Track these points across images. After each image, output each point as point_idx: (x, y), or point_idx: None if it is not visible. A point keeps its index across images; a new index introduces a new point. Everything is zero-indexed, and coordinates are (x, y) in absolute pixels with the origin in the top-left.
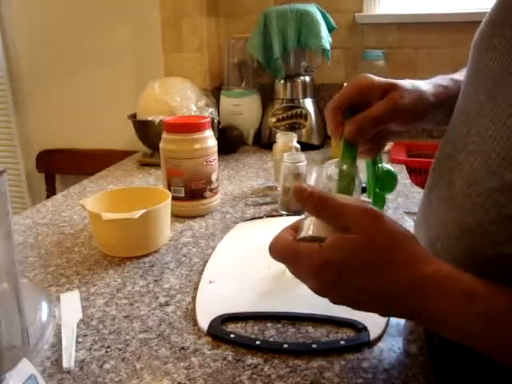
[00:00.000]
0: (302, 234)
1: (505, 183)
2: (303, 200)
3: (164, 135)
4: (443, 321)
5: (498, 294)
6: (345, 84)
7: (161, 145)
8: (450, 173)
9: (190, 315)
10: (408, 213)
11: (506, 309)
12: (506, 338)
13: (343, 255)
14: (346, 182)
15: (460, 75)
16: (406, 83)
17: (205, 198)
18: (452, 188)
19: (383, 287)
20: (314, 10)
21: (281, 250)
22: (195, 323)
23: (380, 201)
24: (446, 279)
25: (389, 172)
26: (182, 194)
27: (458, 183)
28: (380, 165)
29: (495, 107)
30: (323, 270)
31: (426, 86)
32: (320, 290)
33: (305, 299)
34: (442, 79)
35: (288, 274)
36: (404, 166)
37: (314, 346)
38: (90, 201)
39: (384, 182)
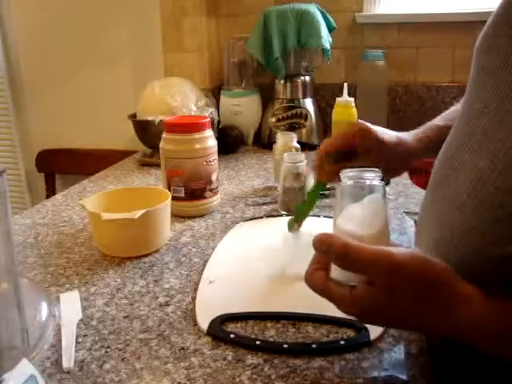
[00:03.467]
0: (333, 276)
1: None
2: (325, 253)
3: (164, 135)
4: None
5: None
6: (345, 84)
7: (161, 145)
8: (454, 172)
9: (190, 315)
10: (408, 213)
11: None
12: None
13: (373, 305)
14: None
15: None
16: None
17: (205, 197)
18: (456, 188)
19: (417, 327)
20: (314, 9)
21: (316, 286)
22: (195, 323)
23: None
24: (480, 324)
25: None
26: (182, 194)
27: (463, 183)
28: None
29: (500, 107)
30: (357, 315)
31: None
32: (358, 320)
33: (305, 299)
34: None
35: (288, 273)
36: None
37: (313, 346)
38: (89, 201)
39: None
